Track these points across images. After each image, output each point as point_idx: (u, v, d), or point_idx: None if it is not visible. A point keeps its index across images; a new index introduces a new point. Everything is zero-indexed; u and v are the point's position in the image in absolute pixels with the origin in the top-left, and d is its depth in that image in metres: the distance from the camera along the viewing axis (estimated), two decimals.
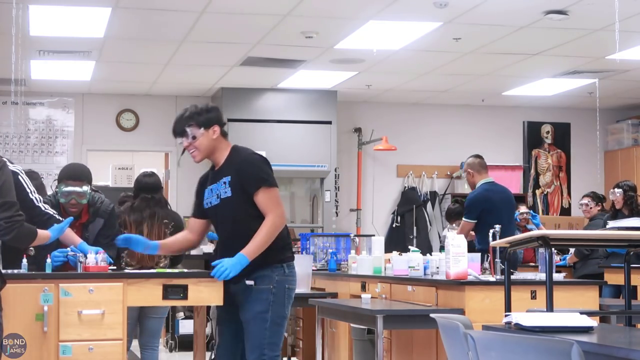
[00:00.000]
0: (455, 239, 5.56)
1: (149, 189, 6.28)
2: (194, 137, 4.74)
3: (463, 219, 7.76)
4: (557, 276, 6.02)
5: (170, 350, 10.21)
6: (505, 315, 3.81)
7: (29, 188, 5.23)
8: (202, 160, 4.84)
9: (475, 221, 7.59)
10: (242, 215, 4.67)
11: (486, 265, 6.20)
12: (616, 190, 8.61)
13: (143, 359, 6.40)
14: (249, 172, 4.66)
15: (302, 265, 6.84)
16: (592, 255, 8.99)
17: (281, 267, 4.66)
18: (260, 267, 4.64)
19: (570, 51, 9.31)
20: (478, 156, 7.90)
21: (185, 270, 5.49)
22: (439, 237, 11.81)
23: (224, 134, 4.81)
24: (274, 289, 4.63)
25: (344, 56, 9.52)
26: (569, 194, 12.73)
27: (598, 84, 10.83)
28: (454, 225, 8.89)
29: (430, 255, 6.37)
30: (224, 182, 4.71)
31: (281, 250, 4.69)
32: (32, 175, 6.28)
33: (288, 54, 9.51)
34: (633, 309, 5.31)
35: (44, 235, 4.68)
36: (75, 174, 5.51)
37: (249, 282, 4.66)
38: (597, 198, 9.38)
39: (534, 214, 9.79)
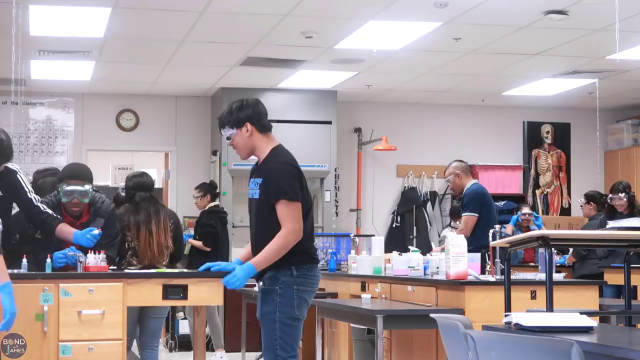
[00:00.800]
0: (455, 239, 5.56)
1: (146, 187, 6.29)
2: (228, 138, 4.78)
3: (465, 214, 7.72)
4: (557, 276, 6.02)
5: (170, 350, 10.21)
6: (505, 315, 3.81)
7: (27, 187, 5.25)
8: (248, 157, 4.82)
9: (478, 215, 7.62)
10: (264, 219, 4.67)
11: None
12: (622, 195, 8.51)
13: (143, 359, 6.40)
14: (273, 181, 4.64)
15: None
16: (590, 255, 8.98)
17: (289, 269, 4.63)
18: (269, 268, 4.65)
19: (570, 51, 9.30)
20: (462, 161, 8.25)
21: (185, 270, 5.50)
22: (439, 237, 11.80)
23: (262, 130, 4.78)
24: (279, 290, 4.62)
25: (344, 56, 9.51)
26: (569, 194, 12.72)
27: (598, 84, 10.82)
28: (457, 222, 8.89)
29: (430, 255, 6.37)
30: (257, 183, 4.70)
31: (293, 254, 4.64)
32: (55, 172, 6.35)
33: (288, 54, 9.50)
34: (633, 309, 5.32)
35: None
36: (77, 173, 5.52)
37: (260, 283, 4.70)
38: (597, 198, 9.37)
39: (536, 215, 9.77)
